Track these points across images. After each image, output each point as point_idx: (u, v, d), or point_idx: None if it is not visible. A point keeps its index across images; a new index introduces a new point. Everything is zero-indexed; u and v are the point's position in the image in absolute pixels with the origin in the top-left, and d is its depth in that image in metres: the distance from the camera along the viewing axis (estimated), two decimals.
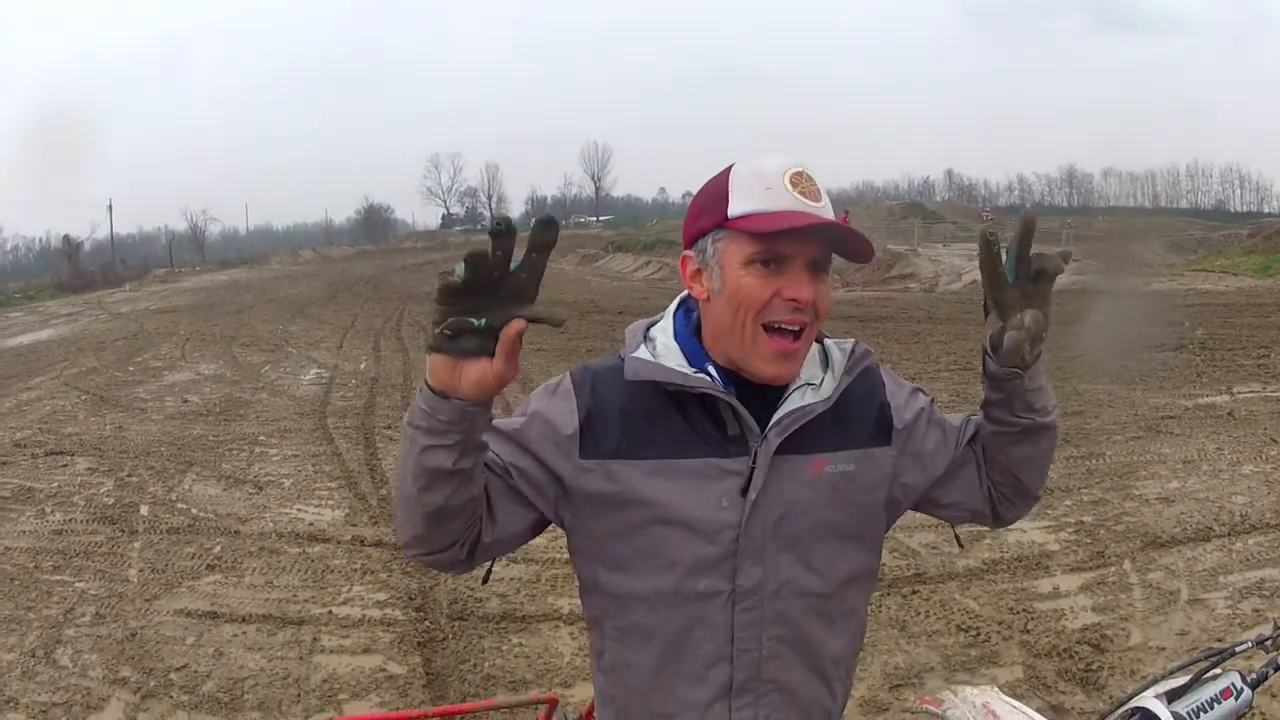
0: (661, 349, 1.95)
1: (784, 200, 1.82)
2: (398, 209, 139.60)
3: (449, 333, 1.61)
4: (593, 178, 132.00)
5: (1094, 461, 9.18)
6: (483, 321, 1.60)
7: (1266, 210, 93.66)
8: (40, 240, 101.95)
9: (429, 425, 1.71)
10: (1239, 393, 11.92)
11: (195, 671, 5.54)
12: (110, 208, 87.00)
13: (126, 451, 10.66)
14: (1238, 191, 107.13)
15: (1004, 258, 1.80)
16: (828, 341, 2.02)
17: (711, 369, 1.91)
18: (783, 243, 1.82)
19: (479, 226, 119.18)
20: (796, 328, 1.85)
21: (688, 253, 1.95)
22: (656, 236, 59.75)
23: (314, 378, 16.21)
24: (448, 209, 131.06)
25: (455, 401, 1.68)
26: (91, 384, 15.87)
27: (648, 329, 2.02)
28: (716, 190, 1.89)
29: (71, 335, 25.55)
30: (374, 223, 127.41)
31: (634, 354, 1.93)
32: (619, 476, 1.90)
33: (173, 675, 5.50)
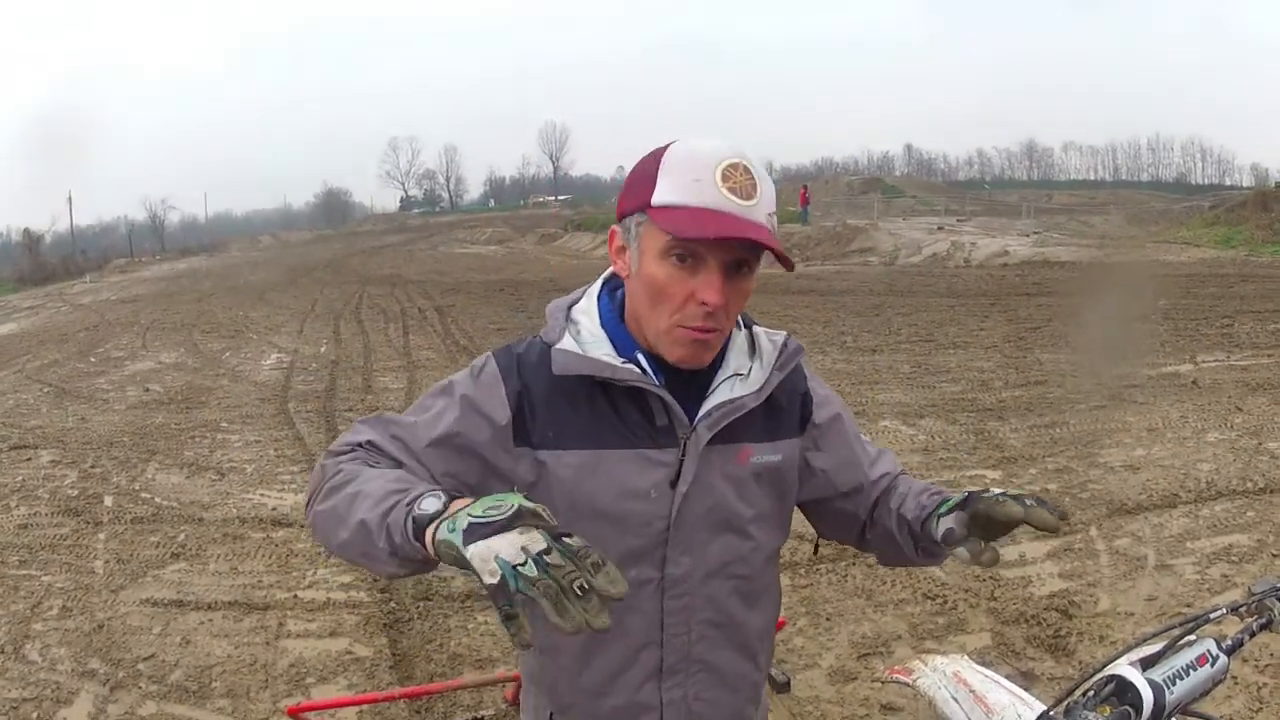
0: (588, 335, 1.90)
1: (709, 196, 1.73)
2: (356, 192, 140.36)
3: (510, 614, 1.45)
4: (551, 158, 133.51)
5: (1058, 430, 9.25)
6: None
7: (1229, 182, 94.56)
8: (0, 234, 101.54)
9: (391, 552, 1.61)
10: (1203, 362, 12.00)
11: (163, 661, 5.49)
12: (70, 200, 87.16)
13: (90, 443, 10.56)
14: (1199, 164, 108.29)
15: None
16: (757, 329, 2.00)
17: (640, 357, 1.87)
18: (699, 243, 1.76)
19: (437, 209, 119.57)
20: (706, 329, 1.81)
21: (615, 227, 1.89)
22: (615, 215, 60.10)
23: (275, 362, 16.10)
24: (406, 191, 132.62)
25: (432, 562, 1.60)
26: (54, 376, 15.73)
27: (569, 309, 1.97)
28: (647, 169, 1.81)
29: (33, 328, 25.35)
30: (332, 207, 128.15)
31: (560, 345, 1.88)
32: (547, 468, 1.87)
33: (140, 665, 5.44)
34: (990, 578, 5.98)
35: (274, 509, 7.98)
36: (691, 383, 1.89)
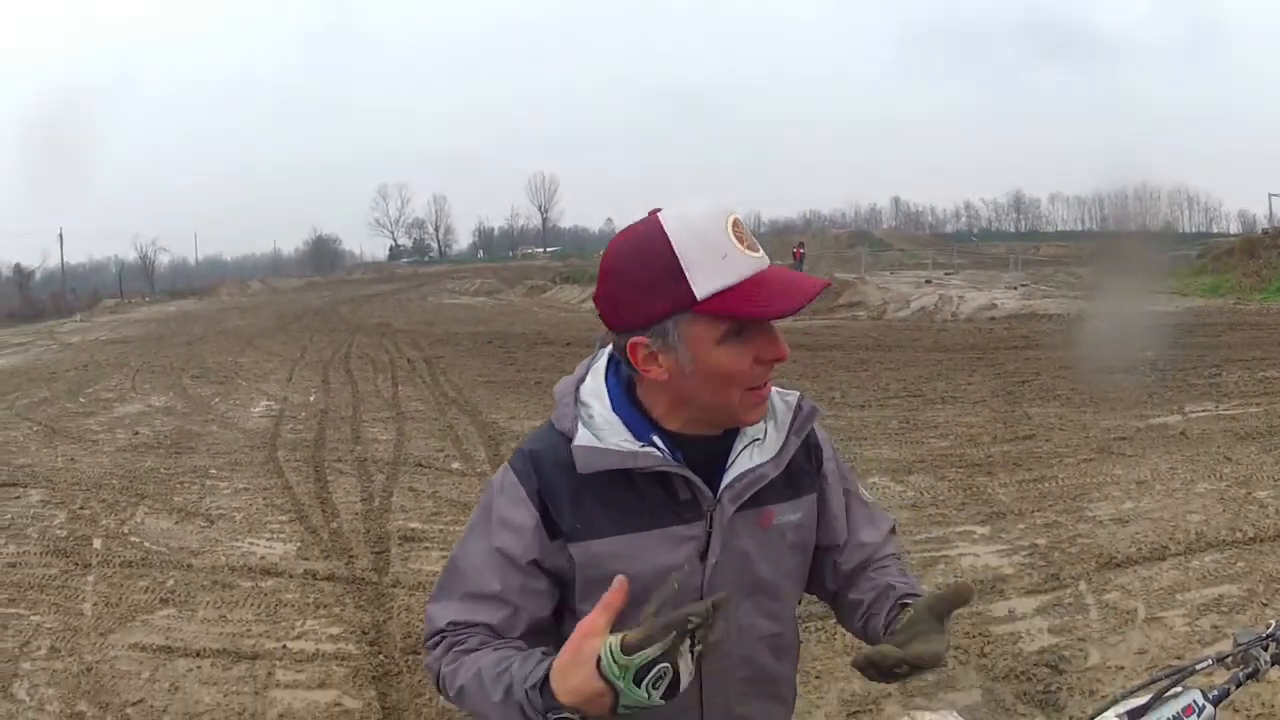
0: (600, 421, 1.90)
1: (744, 264, 1.76)
2: (345, 240, 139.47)
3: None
4: (540, 209, 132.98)
5: (1046, 484, 9.20)
6: None
7: (1216, 230, 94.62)
8: None
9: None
10: (1191, 412, 11.95)
11: (151, 706, 5.49)
12: (61, 237, 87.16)
13: (79, 483, 10.55)
14: (1186, 212, 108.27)
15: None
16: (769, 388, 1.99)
17: (657, 439, 1.88)
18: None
19: (426, 259, 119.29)
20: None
21: (638, 338, 1.83)
22: None
23: (264, 410, 16.02)
24: (395, 240, 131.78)
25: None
26: (43, 415, 15.76)
27: (577, 389, 1.97)
28: (663, 268, 1.78)
29: (23, 365, 25.34)
30: (322, 254, 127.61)
31: (577, 440, 1.88)
32: (579, 556, 1.89)
33: (129, 710, 5.44)
34: (980, 634, 5.97)
35: (263, 558, 7.95)
36: (710, 450, 1.91)
